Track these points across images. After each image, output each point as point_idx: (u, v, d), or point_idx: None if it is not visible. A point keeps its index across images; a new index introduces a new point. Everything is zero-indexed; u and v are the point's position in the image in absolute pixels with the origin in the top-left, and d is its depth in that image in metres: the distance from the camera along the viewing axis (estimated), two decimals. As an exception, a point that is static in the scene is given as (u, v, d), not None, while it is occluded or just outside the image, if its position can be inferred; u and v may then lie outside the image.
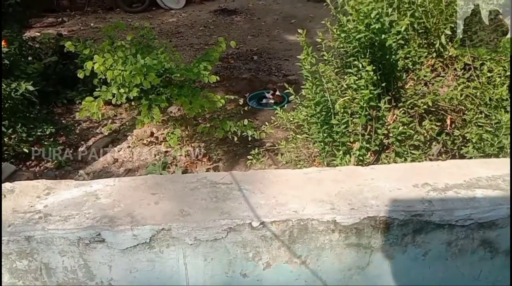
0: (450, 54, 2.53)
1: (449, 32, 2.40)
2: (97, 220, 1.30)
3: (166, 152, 4.24)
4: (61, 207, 1.34)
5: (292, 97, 2.63)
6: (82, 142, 4.44)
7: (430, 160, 2.64)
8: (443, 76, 2.55)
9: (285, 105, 5.29)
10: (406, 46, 2.25)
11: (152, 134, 4.46)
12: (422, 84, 2.54)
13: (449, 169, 1.63)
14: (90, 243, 1.28)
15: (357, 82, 2.40)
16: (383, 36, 2.04)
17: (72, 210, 1.33)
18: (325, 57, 2.81)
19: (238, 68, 6.46)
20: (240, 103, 4.30)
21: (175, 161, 4.01)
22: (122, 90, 3.30)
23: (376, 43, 2.16)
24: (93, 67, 3.13)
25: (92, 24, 8.84)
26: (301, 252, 1.39)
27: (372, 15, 1.97)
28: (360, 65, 2.28)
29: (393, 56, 2.16)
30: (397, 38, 2.08)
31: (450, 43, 2.50)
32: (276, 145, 4.35)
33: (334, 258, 1.42)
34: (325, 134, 2.23)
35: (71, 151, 4.28)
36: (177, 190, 1.45)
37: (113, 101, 3.46)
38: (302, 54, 2.20)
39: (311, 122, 2.43)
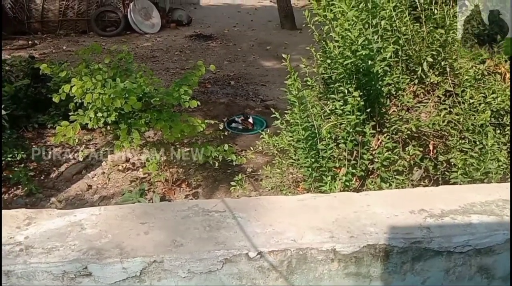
0: (431, 81, 2.58)
1: (430, 59, 2.45)
2: (83, 252, 1.20)
3: (143, 178, 4.12)
4: (44, 238, 1.24)
5: (277, 122, 2.61)
6: (54, 168, 4.25)
7: (413, 185, 2.66)
8: (425, 102, 2.60)
9: (268, 130, 5.32)
10: (389, 73, 2.28)
11: (127, 160, 4.34)
12: (405, 110, 2.57)
13: (443, 195, 1.63)
14: (76, 277, 1.18)
15: (342, 107, 2.41)
16: (369, 62, 2.05)
17: (55, 242, 1.23)
18: (308, 83, 2.82)
19: (215, 93, 6.45)
20: (220, 128, 4.24)
21: (152, 187, 3.89)
22: (100, 114, 3.20)
23: (361, 69, 2.17)
24: (68, 91, 3.02)
25: (64, 47, 8.68)
26: (300, 283, 1.33)
27: (359, 42, 1.99)
28: (346, 91, 2.29)
29: (379, 83, 2.18)
30: (383, 65, 2.10)
31: (431, 70, 2.56)
32: (257, 170, 4.32)
33: (332, 288, 1.36)
34: (313, 160, 2.20)
35: (42, 177, 4.10)
36: (167, 218, 1.38)
37: (90, 126, 3.35)
38: (288, 79, 2.19)
39: (297, 147, 2.41)
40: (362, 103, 2.17)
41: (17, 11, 9.28)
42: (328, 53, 2.52)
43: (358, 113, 2.21)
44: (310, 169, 2.22)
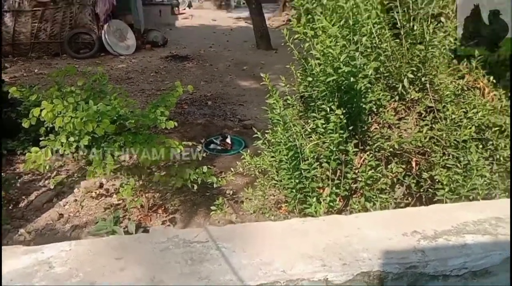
0: (412, 97, 2.56)
1: (411, 76, 2.44)
2: (50, 295, 1.08)
3: (117, 204, 3.95)
4: (7, 280, 1.11)
5: (259, 142, 2.53)
6: (24, 197, 4.04)
7: (396, 203, 2.61)
8: (406, 119, 2.57)
9: (247, 150, 5.23)
10: (371, 90, 2.25)
11: (101, 185, 4.17)
12: (387, 127, 2.54)
13: (433, 214, 1.57)
14: (41, 325, 1.05)
15: (324, 126, 2.35)
16: (352, 79, 2.01)
17: (20, 283, 1.10)
18: (288, 102, 2.77)
19: (192, 113, 6.35)
20: (198, 150, 4.13)
21: (127, 214, 3.73)
22: (71, 138, 3.05)
23: (343, 87, 2.13)
24: (39, 116, 2.88)
25: (36, 70, 8.46)
26: (290, 317, 1.23)
27: (342, 58, 1.95)
28: (328, 109, 2.24)
29: (362, 100, 2.14)
30: (365, 82, 2.06)
31: (411, 86, 2.54)
32: (237, 192, 4.21)
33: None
34: (296, 181, 2.12)
35: (11, 207, 3.88)
36: (145, 252, 1.26)
37: (61, 151, 3.20)
38: (270, 99, 2.12)
39: (280, 168, 2.33)
40: (344, 121, 2.11)
41: (-15, 34, 9.03)
42: (309, 71, 2.48)
43: (341, 131, 2.15)
44: (294, 190, 2.14)
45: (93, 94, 3.36)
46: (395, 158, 2.61)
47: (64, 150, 3.18)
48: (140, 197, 3.78)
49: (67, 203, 3.99)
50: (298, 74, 2.67)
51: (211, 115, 6.31)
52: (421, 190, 2.58)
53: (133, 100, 3.78)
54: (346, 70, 1.93)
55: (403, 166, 2.57)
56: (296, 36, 2.38)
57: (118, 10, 10.21)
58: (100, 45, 9.59)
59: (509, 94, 2.49)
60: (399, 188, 2.66)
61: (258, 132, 2.51)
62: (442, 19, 2.70)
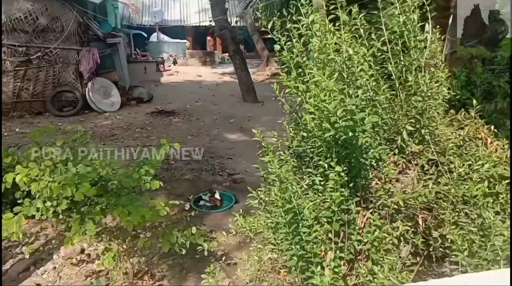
0: (411, 149, 2.44)
1: (410, 128, 2.32)
2: None
3: (99, 271, 3.63)
4: None
5: (255, 201, 2.35)
6: (-4, 266, 3.71)
7: (403, 264, 2.41)
8: (407, 173, 2.43)
9: (233, 206, 5.01)
10: (370, 144, 2.11)
11: (82, 251, 3.86)
12: (388, 182, 2.38)
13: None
14: None
15: (322, 183, 2.19)
16: (350, 134, 1.87)
17: None
18: (281, 157, 2.62)
19: (179, 169, 6.15)
20: (186, 209, 3.90)
21: (110, 282, 3.42)
22: (48, 203, 2.82)
23: (341, 142, 1.99)
24: (14, 179, 2.67)
25: (17, 130, 8.25)
26: None
27: (338, 113, 1.82)
28: (326, 165, 2.09)
29: (364, 155, 1.99)
30: (364, 136, 1.93)
31: (410, 138, 2.42)
32: (229, 253, 3.93)
33: None
34: (297, 247, 1.92)
35: (-19, 278, 3.54)
36: None
37: (37, 217, 2.96)
38: (265, 156, 1.96)
39: (277, 231, 2.13)
40: (345, 178, 1.95)
41: (-33, 94, 8.89)
42: (301, 126, 2.35)
43: (342, 189, 1.98)
44: (294, 257, 1.93)
45: (73, 155, 3.17)
46: (399, 215, 2.44)
47: (41, 215, 2.95)
48: (124, 262, 3.50)
49: (45, 271, 3.66)
50: (291, 129, 2.54)
51: (199, 170, 6.12)
52: (430, 249, 2.39)
53: (116, 159, 3.57)
54: (344, 125, 1.80)
55: (409, 224, 2.40)
56: (287, 90, 2.27)
57: (102, 67, 10.23)
58: (84, 102, 9.50)
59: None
60: (405, 246, 2.47)
61: (253, 191, 2.32)
62: (432, 69, 2.65)
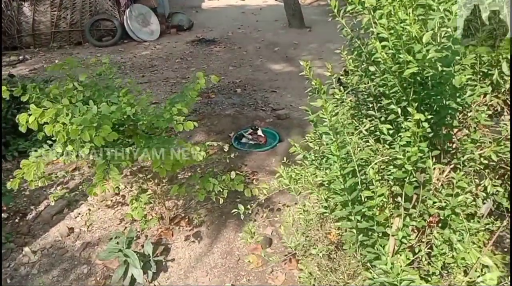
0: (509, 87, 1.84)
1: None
2: None
3: (136, 215, 3.43)
4: None
5: (301, 156, 1.90)
6: (32, 207, 3.59)
7: (486, 227, 1.94)
8: (502, 118, 1.87)
9: (277, 145, 4.60)
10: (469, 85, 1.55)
11: (117, 192, 3.66)
12: (478, 130, 1.84)
13: None
14: None
15: (392, 132, 1.69)
16: (442, 70, 1.32)
17: None
18: (336, 96, 2.11)
19: (220, 103, 5.74)
20: (225, 150, 3.53)
21: (146, 226, 3.19)
22: (70, 147, 2.52)
23: (428, 81, 1.45)
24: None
25: (57, 61, 8.07)
26: None
27: (425, 40, 1.27)
28: (400, 111, 1.57)
29: (458, 99, 1.45)
30: (465, 74, 1.37)
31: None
32: (271, 197, 3.60)
33: None
34: (358, 218, 1.48)
35: (17, 220, 3.43)
36: None
37: (61, 160, 2.70)
38: (317, 100, 1.47)
39: (332, 191, 1.68)
40: (428, 129, 1.44)
41: (6, 25, 8.70)
42: (366, 57, 1.80)
43: (421, 144, 1.48)
44: (353, 230, 1.50)
45: (97, 91, 2.81)
46: (487, 170, 1.92)
47: (64, 161, 2.68)
48: (159, 205, 3.25)
49: (79, 214, 3.50)
50: (350, 61, 2.00)
51: (241, 104, 5.69)
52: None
53: (149, 94, 3.17)
54: (434, 57, 1.25)
55: (498, 181, 1.89)
56: (349, 8, 1.70)
57: (140, -7, 9.66)
58: (122, 31, 9.10)
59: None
60: (485, 202, 1.98)
61: (298, 148, 1.86)
62: None
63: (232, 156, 3.63)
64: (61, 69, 2.94)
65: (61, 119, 2.35)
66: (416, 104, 1.46)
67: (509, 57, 1.75)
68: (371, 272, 1.35)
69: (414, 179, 1.58)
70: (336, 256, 2.16)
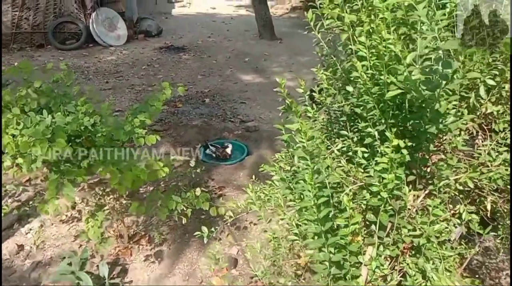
0: (486, 111, 1.80)
1: (491, 82, 1.67)
2: None
3: (93, 231, 3.20)
4: None
5: (274, 178, 1.78)
6: (-22, 221, 3.30)
7: (459, 254, 1.89)
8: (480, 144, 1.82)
9: (245, 159, 4.47)
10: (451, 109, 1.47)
11: (73, 206, 3.42)
12: (455, 155, 1.78)
13: None
14: None
15: (367, 156, 1.60)
16: (424, 95, 1.23)
17: None
18: (308, 114, 2.01)
19: (187, 113, 5.57)
20: (192, 165, 3.37)
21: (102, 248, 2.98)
22: (20, 160, 2.31)
23: (403, 104, 1.37)
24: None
25: (16, 64, 7.66)
26: None
27: (408, 60, 1.19)
28: (376, 134, 1.48)
29: (440, 126, 1.37)
30: (452, 99, 1.30)
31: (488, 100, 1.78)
32: (238, 214, 3.45)
33: None
34: (331, 249, 1.37)
35: (-40, 236, 3.14)
36: None
37: (11, 174, 2.48)
38: (294, 123, 1.36)
39: (303, 217, 1.57)
40: (407, 156, 1.35)
41: (-37, 23, 8.23)
42: (343, 76, 1.71)
43: (398, 171, 1.40)
44: (327, 264, 1.39)
45: (53, 99, 2.60)
46: (461, 195, 1.86)
47: (14, 173, 2.46)
48: (118, 222, 3.04)
49: (30, 229, 3.24)
50: (324, 78, 1.90)
51: (209, 115, 5.54)
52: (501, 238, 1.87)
53: (108, 105, 2.96)
54: (418, 80, 1.17)
55: (472, 207, 1.84)
56: (327, 22, 1.61)
57: (108, -4, 9.39)
58: (87, 35, 8.78)
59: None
60: (457, 226, 1.93)
61: (269, 165, 1.75)
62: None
63: (198, 170, 3.47)
64: (16, 73, 2.73)
65: (10, 130, 2.14)
66: (395, 129, 1.37)
67: (487, 80, 1.70)
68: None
69: (390, 207, 1.49)
70: (305, 282, 2.05)
